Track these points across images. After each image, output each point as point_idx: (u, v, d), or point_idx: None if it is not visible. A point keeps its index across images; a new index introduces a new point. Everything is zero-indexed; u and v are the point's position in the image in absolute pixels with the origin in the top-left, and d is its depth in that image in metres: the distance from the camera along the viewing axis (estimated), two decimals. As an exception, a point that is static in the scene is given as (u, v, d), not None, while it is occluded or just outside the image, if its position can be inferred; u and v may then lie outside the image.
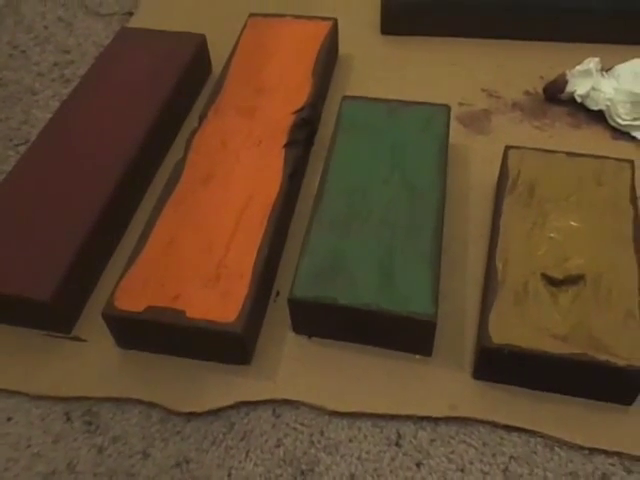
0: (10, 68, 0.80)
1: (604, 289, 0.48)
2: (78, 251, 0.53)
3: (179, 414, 0.49)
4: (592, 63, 0.67)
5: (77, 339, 0.53)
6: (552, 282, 0.48)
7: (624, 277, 0.49)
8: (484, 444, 0.46)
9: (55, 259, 0.52)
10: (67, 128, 0.63)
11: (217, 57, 0.75)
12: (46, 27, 0.86)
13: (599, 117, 0.67)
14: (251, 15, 0.75)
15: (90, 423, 0.49)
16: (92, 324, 0.53)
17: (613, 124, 0.66)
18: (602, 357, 0.44)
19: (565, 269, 0.49)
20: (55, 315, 0.52)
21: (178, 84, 0.68)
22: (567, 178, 0.56)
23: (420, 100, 0.65)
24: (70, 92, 0.68)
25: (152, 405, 0.49)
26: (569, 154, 0.58)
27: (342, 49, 0.78)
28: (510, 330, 0.46)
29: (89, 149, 0.61)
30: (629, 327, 0.46)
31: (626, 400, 0.47)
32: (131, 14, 0.86)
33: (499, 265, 0.50)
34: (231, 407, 0.49)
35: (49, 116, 0.68)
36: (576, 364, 0.44)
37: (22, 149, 0.68)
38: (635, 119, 0.65)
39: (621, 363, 0.44)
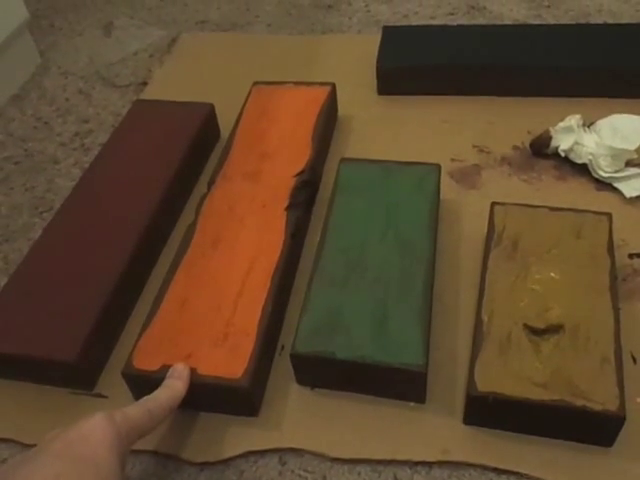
0: (35, 139, 0.86)
1: (582, 337, 0.51)
2: (100, 314, 0.57)
3: (193, 464, 0.52)
4: (573, 120, 0.71)
5: (99, 396, 0.57)
6: (534, 331, 0.52)
7: (601, 325, 0.52)
8: (475, 486, 0.50)
9: (79, 322, 0.56)
10: (88, 197, 0.68)
11: (225, 122, 0.80)
12: (67, 99, 0.92)
13: (583, 170, 0.71)
14: (255, 83, 0.81)
15: (112, 474, 0.53)
16: (112, 381, 0.57)
17: (596, 176, 0.70)
18: (579, 402, 0.47)
19: (546, 319, 0.53)
20: (79, 374, 0.56)
21: (189, 151, 0.73)
22: (548, 232, 0.59)
23: (415, 156, 0.69)
24: (90, 160, 0.74)
25: (168, 456, 0.53)
26: (551, 209, 0.62)
27: (342, 109, 0.82)
28: (494, 379, 0.50)
29: (108, 215, 0.66)
30: (605, 373, 0.49)
31: (606, 442, 0.50)
32: (145, 84, 0.92)
33: (484, 317, 0.54)
34: (240, 456, 0.52)
35: (71, 184, 0.74)
36: (555, 409, 0.48)
37: (46, 216, 0.74)
38: (617, 171, 0.68)
39: (597, 408, 0.47)
